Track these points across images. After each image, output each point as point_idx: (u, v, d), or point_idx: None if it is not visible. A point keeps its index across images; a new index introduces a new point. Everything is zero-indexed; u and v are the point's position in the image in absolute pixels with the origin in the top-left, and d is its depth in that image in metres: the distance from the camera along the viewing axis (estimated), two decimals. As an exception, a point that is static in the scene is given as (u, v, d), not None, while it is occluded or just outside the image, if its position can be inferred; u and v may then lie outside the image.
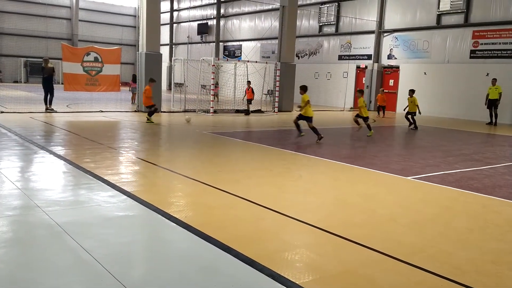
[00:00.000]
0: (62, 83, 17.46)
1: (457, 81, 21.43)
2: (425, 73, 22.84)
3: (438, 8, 21.94)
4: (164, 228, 4.65)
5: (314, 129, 11.28)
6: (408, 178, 7.59)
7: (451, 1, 21.31)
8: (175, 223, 4.68)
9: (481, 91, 19.82)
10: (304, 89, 11.33)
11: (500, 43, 19.83)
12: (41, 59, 18.03)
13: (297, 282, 3.44)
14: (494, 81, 18.27)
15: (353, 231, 4.71)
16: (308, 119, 11.32)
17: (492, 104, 18.38)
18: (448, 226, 5.11)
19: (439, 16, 22.10)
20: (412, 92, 16.36)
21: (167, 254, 3.97)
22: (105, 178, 6.45)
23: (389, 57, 24.80)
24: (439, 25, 22.14)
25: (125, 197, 5.57)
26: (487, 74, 20.08)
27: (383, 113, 21.52)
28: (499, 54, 19.91)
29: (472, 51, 20.88)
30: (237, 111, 19.72)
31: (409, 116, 16.22)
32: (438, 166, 8.77)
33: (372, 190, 6.72)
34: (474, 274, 3.76)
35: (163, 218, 4.85)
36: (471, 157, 10.08)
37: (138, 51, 18.22)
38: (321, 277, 3.60)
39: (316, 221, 4.94)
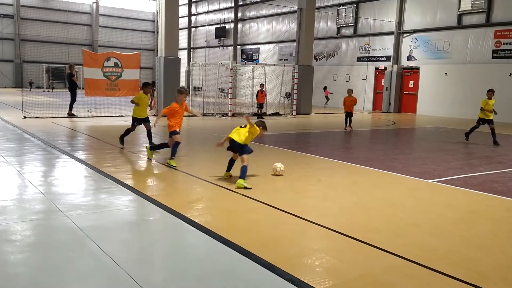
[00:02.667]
0: (83, 88, 17.76)
1: (479, 81, 21.02)
2: (446, 74, 22.48)
3: (459, 8, 21.60)
4: (184, 232, 4.67)
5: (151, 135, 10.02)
6: (430, 181, 7.46)
7: (472, 1, 20.95)
8: (194, 227, 4.69)
9: (504, 91, 19.39)
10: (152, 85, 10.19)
11: (523, 43, 19.40)
12: (63, 65, 18.39)
13: (317, 287, 3.41)
14: None
15: (373, 235, 4.65)
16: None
17: None
18: (471, 231, 5.00)
19: (460, 16, 21.74)
20: (492, 93, 13.20)
21: (186, 258, 3.99)
22: (125, 182, 6.53)
23: (409, 58, 24.49)
24: (460, 25, 21.78)
25: (145, 201, 5.62)
26: (510, 74, 19.65)
27: (350, 122, 15.32)
28: (522, 54, 19.47)
29: (494, 51, 20.47)
30: (255, 114, 19.75)
31: (486, 125, 12.82)
32: (461, 168, 8.60)
33: (392, 194, 6.63)
34: (499, 281, 3.67)
35: (183, 222, 4.87)
36: (495, 159, 9.86)
37: (157, 55, 18.42)
38: (342, 282, 3.56)
39: (335, 226, 4.89)
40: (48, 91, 34.85)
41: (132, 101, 9.75)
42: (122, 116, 17.06)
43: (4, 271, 3.54)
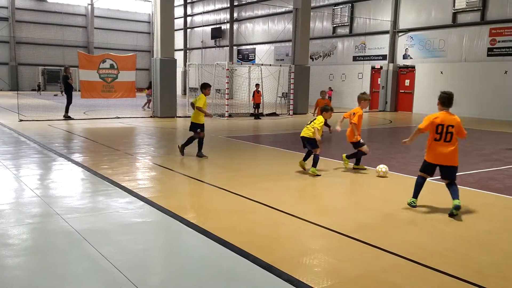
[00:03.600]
0: (79, 91, 17.71)
1: (474, 79, 21.09)
2: (441, 72, 22.54)
3: (454, 6, 21.65)
4: (182, 234, 4.66)
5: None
6: (428, 179, 7.45)
7: (467, -1, 21.02)
8: (192, 229, 4.68)
9: (500, 89, 19.45)
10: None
11: (518, 40, 19.48)
12: (59, 68, 18.28)
13: (315, 287, 3.41)
14: None
15: (371, 234, 4.65)
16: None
17: None
18: (469, 229, 5.01)
19: (454, 14, 21.80)
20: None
21: (185, 260, 3.98)
22: (122, 184, 6.51)
23: (405, 57, 24.54)
24: (455, 24, 21.83)
25: (143, 203, 5.61)
26: (506, 72, 19.72)
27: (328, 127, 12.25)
28: (517, 51, 19.55)
29: (489, 49, 20.53)
30: (252, 114, 19.76)
31: None
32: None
33: (390, 193, 6.64)
34: (497, 279, 3.67)
35: (181, 224, 4.86)
36: (491, 157, 9.88)
37: (153, 57, 18.40)
38: (340, 282, 3.56)
39: (333, 225, 4.89)
40: (55, 95, 34.27)
41: (199, 108, 8.67)
42: (119, 118, 17.03)
43: (2, 275, 3.52)
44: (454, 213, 5.38)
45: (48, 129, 13.28)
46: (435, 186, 7.04)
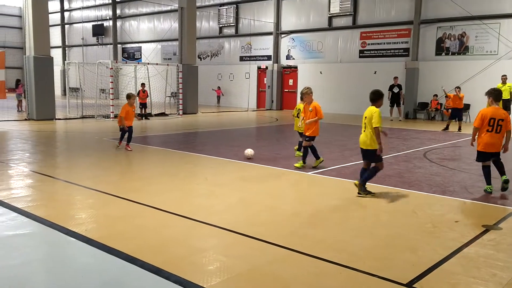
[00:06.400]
0: None
1: (349, 79, 22.98)
2: (320, 72, 24.14)
3: (329, 11, 23.33)
4: (63, 244, 4.38)
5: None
6: (309, 173, 7.98)
7: (340, 4, 22.78)
8: (74, 238, 4.42)
9: (369, 87, 21.46)
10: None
11: (384, 43, 21.67)
12: None
13: (204, 286, 3.46)
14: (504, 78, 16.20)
15: (259, 229, 4.84)
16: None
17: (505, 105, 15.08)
18: (344, 217, 5.48)
19: (330, 19, 23.50)
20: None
21: (67, 272, 3.74)
22: (-9, 195, 5.88)
23: (288, 57, 25.79)
24: (331, 27, 23.54)
25: (16, 214, 5.13)
26: (375, 72, 21.83)
27: (122, 138, 10.27)
28: (383, 54, 21.76)
29: (360, 51, 22.53)
30: (139, 115, 19.15)
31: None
32: (335, 160, 9.34)
33: (276, 187, 6.96)
34: (368, 260, 4.08)
35: (61, 233, 4.56)
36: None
37: (25, 54, 16.83)
38: (229, 278, 3.66)
39: (223, 223, 4.99)
40: None
41: (377, 131, 6.58)
42: (-14, 121, 15.27)
43: None
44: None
45: None
46: (316, 179, 7.56)
